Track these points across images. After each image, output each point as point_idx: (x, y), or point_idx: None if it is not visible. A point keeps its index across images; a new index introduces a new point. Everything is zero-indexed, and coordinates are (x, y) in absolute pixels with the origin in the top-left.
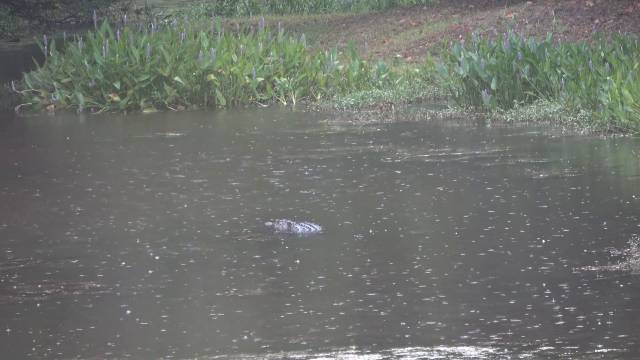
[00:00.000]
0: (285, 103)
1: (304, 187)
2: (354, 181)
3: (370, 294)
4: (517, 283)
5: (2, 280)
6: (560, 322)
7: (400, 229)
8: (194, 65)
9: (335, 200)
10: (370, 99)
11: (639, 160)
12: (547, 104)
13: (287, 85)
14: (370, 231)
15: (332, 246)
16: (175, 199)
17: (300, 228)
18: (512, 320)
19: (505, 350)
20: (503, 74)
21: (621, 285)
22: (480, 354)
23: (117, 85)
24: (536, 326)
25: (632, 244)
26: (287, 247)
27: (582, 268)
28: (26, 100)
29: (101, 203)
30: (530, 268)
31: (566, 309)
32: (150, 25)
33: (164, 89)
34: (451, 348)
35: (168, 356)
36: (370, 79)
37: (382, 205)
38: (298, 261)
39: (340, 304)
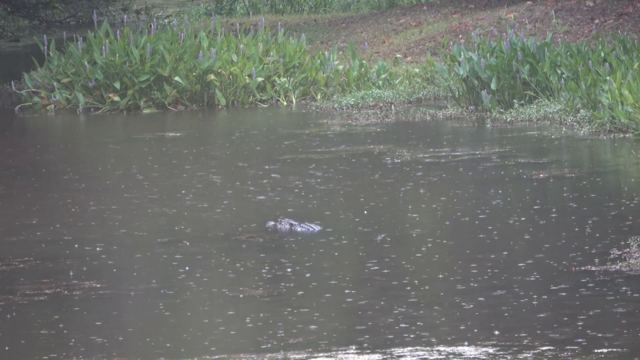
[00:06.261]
0: (285, 103)
1: (304, 187)
2: (354, 181)
3: (370, 294)
4: (517, 283)
5: (2, 280)
6: (561, 322)
7: (400, 229)
8: (194, 65)
9: (335, 201)
10: (370, 99)
11: (639, 160)
12: (547, 104)
13: (287, 85)
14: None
15: (332, 246)
16: (176, 198)
17: (300, 228)
18: (512, 320)
19: (505, 350)
20: (503, 74)
21: (621, 285)
22: (480, 354)
23: (117, 85)
24: (536, 326)
25: (632, 244)
26: (287, 247)
27: (582, 268)
28: (26, 100)
29: (101, 203)
30: (530, 268)
31: (566, 308)
32: (150, 25)
33: (164, 89)
34: (451, 348)
35: (168, 356)
36: (370, 79)
37: (382, 205)
38: (298, 261)
39: (340, 304)
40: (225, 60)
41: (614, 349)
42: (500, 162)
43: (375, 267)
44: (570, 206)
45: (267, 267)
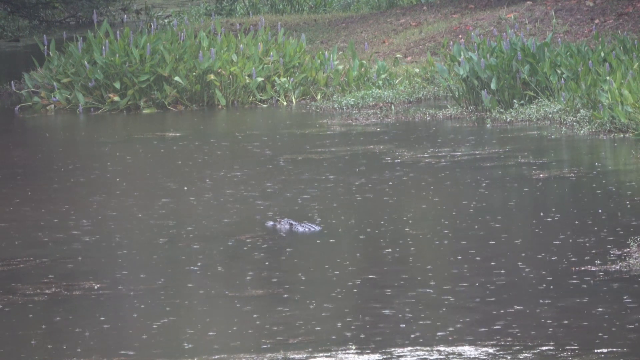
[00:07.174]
0: (285, 103)
1: (304, 187)
2: (354, 181)
3: (371, 294)
4: (517, 282)
5: (2, 280)
6: (561, 322)
7: (400, 229)
8: (194, 65)
9: (335, 201)
10: (370, 99)
11: (639, 160)
12: (547, 104)
13: (287, 85)
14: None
15: (332, 246)
16: (176, 198)
17: (301, 228)
18: (512, 320)
19: (505, 350)
20: (503, 74)
21: (621, 285)
22: (480, 354)
23: (117, 85)
24: (536, 326)
25: (632, 244)
26: (287, 247)
27: (582, 268)
28: (26, 100)
29: (101, 203)
30: (530, 268)
31: (566, 308)
32: (150, 25)
33: (164, 89)
34: (451, 348)
35: (168, 356)
36: (370, 79)
37: (382, 205)
38: (298, 261)
39: (340, 304)
40: (225, 60)
41: (614, 349)
42: (500, 162)
43: (375, 267)
44: (570, 206)
45: (267, 267)
